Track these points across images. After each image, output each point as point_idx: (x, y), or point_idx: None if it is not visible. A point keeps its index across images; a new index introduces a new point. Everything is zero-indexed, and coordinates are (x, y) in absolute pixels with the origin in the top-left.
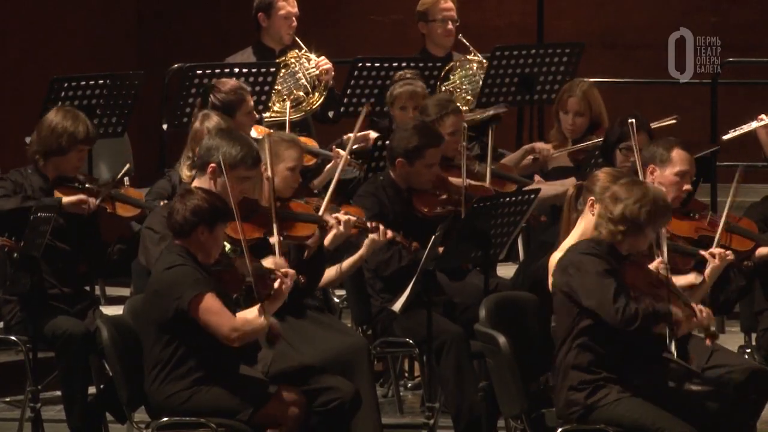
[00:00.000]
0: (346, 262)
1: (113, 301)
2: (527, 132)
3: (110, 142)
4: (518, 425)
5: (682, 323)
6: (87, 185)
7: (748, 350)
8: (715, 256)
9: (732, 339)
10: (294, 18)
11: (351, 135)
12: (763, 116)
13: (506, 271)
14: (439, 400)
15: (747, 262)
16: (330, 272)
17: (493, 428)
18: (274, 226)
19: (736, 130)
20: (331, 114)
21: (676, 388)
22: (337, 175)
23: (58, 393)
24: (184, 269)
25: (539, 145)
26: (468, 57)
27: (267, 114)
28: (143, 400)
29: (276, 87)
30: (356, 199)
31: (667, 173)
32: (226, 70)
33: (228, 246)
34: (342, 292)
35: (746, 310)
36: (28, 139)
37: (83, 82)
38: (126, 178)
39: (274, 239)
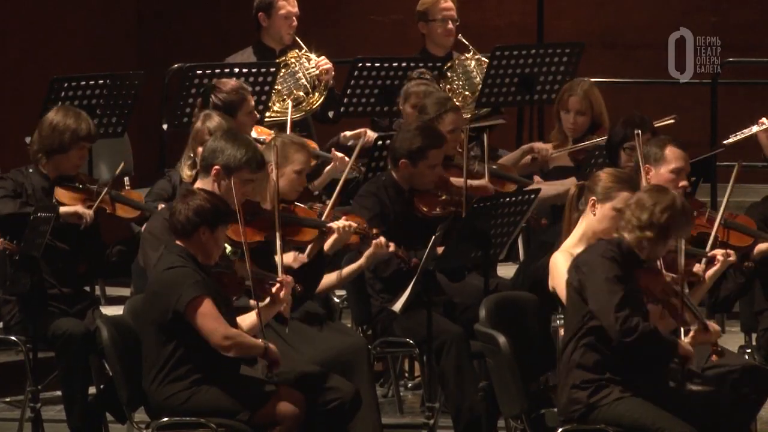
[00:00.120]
0: (347, 270)
1: (113, 301)
2: (527, 132)
3: (110, 143)
4: (518, 425)
5: (691, 358)
6: (87, 185)
7: (748, 350)
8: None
9: (732, 339)
10: (294, 18)
11: (347, 133)
12: (763, 120)
13: (506, 271)
14: (439, 400)
15: (748, 263)
16: (330, 278)
17: (493, 428)
18: (277, 227)
19: (737, 135)
20: (331, 114)
21: (676, 388)
22: (340, 185)
23: (58, 393)
24: (184, 270)
25: (538, 145)
26: (466, 55)
27: (267, 114)
28: (143, 400)
29: (276, 87)
30: (357, 198)
31: (662, 171)
32: (226, 70)
33: (229, 248)
34: (342, 293)
35: (746, 310)
36: (28, 140)
37: (83, 82)
38: (126, 179)
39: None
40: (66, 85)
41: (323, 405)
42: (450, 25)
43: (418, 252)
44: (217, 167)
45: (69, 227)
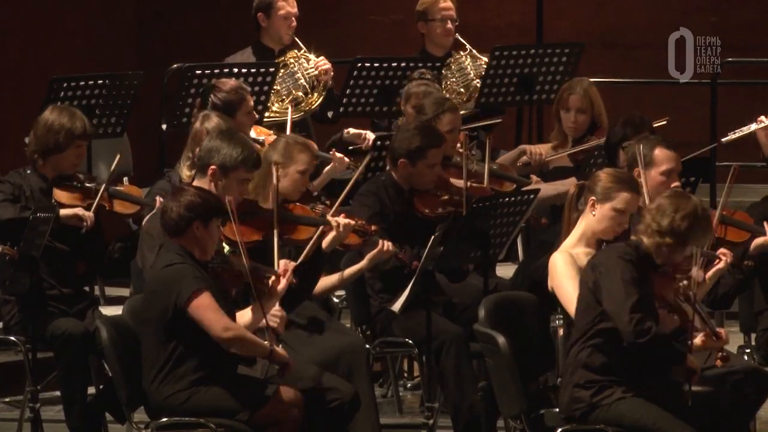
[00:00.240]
0: (348, 271)
1: (112, 301)
2: (526, 132)
3: (109, 143)
4: (517, 425)
5: (695, 375)
6: (86, 184)
7: (748, 350)
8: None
9: (732, 339)
10: (293, 18)
11: (350, 130)
12: (762, 118)
13: (506, 271)
14: (439, 400)
15: (748, 261)
16: (332, 279)
17: (493, 428)
18: (275, 224)
19: (735, 132)
20: (330, 114)
21: (676, 388)
22: (350, 185)
23: (58, 393)
24: (183, 267)
25: (531, 148)
26: (461, 53)
27: (266, 114)
28: (143, 401)
29: (275, 87)
30: (357, 198)
31: (652, 174)
32: (226, 70)
33: (227, 248)
34: (341, 293)
35: (746, 310)
36: (27, 140)
37: (83, 82)
38: (126, 180)
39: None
40: (65, 85)
41: (322, 405)
42: (449, 25)
43: (418, 252)
44: (213, 167)
45: (69, 228)
